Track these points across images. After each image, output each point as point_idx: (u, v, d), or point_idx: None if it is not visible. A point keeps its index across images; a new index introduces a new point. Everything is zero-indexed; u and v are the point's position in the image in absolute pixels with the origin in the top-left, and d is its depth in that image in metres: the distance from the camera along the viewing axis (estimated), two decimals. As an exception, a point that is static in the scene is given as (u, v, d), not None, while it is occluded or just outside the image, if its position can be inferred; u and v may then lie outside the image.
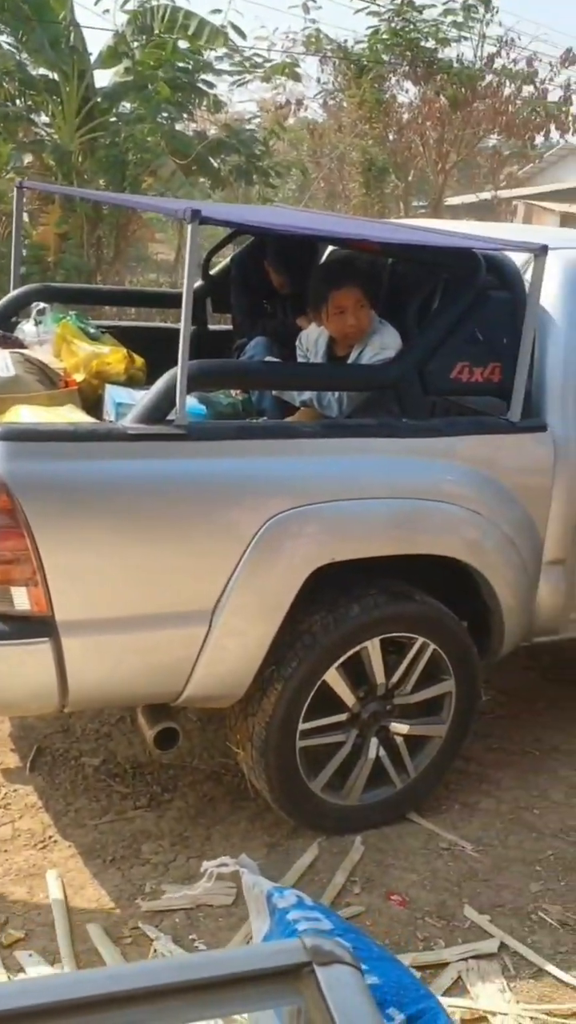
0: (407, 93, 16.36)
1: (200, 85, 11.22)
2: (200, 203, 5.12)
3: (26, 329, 3.68)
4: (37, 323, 3.64)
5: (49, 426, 2.54)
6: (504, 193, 19.91)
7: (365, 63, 15.25)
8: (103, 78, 10.98)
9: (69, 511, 2.43)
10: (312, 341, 3.27)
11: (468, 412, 3.06)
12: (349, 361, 3.10)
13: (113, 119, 10.74)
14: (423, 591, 3.00)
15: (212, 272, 4.33)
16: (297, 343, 3.37)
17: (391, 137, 16.15)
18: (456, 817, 3.18)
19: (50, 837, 2.94)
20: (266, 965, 0.91)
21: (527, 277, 2.98)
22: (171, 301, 4.57)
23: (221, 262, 4.48)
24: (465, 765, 3.43)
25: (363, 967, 0.97)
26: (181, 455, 2.56)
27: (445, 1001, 2.36)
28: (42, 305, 3.73)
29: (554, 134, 17.95)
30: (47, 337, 3.54)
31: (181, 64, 10.66)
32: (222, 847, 2.93)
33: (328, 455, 2.77)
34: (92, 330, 3.59)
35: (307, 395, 3.27)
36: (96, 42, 10.51)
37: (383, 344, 3.02)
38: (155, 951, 2.48)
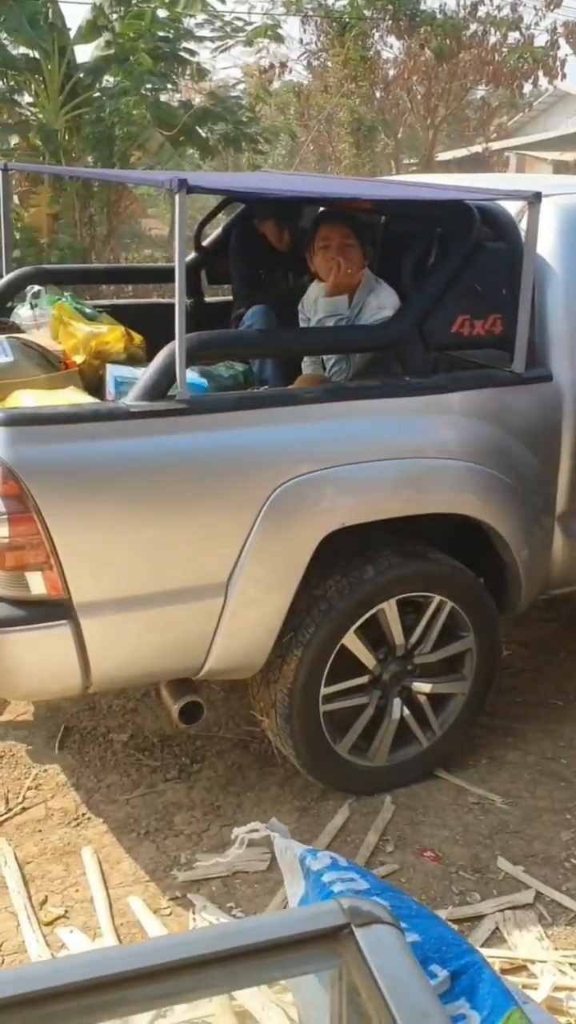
0: (391, 48, 16.15)
1: (182, 54, 11.09)
2: (187, 172, 5.06)
3: (22, 313, 3.66)
4: (33, 306, 3.63)
5: (51, 409, 2.53)
6: (495, 145, 19.64)
7: (347, 20, 15.02)
8: (84, 53, 10.87)
9: (77, 493, 2.43)
10: (312, 301, 3.24)
11: (472, 366, 3.04)
12: (346, 322, 3.07)
13: (97, 94, 10.64)
14: (439, 550, 3.00)
15: (205, 243, 4.29)
16: (299, 308, 3.34)
17: (378, 95, 15.94)
18: (484, 771, 3.19)
19: (83, 814, 2.97)
20: (304, 929, 0.91)
21: (522, 227, 2.94)
22: (165, 275, 4.54)
23: (215, 232, 4.44)
24: (490, 720, 3.44)
25: (403, 925, 0.97)
26: (184, 430, 2.55)
27: (484, 952, 2.38)
28: (36, 288, 3.71)
29: (542, 81, 17.67)
30: (44, 320, 3.53)
31: (161, 33, 10.53)
32: (253, 813, 2.95)
33: (332, 420, 2.75)
34: (88, 310, 3.57)
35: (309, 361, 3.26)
36: (74, 17, 10.34)
37: (380, 304, 2.99)
38: (194, 920, 2.51)
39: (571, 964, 2.36)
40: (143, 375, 2.57)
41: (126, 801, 3.03)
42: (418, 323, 2.88)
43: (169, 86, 11.46)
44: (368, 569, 2.83)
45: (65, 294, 3.63)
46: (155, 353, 2.67)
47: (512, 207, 3.08)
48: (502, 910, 2.58)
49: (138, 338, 3.38)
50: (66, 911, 2.59)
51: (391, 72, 15.77)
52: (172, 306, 2.52)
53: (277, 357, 3.24)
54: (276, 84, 16.60)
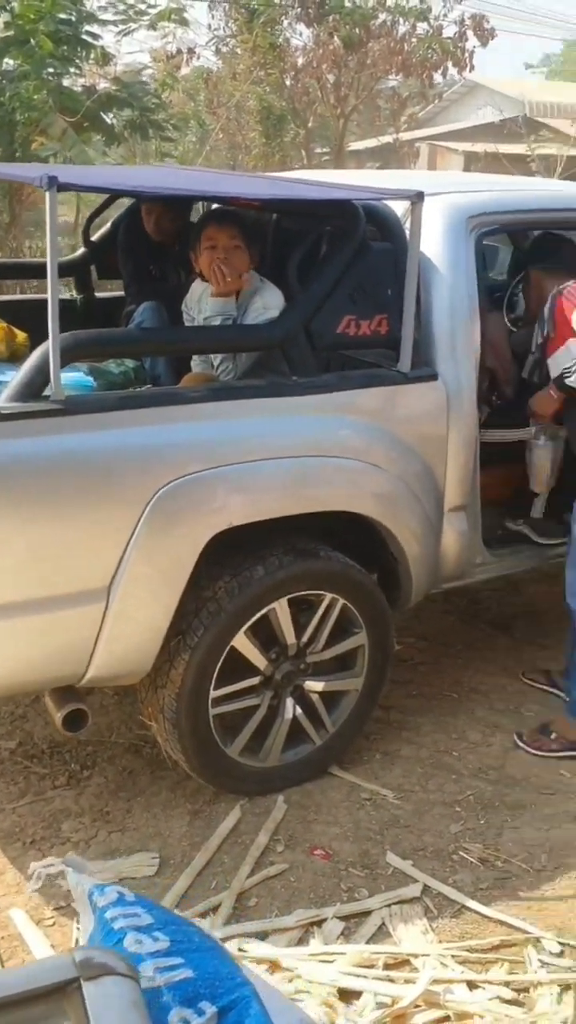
0: (300, 36, 16.09)
1: (85, 37, 10.83)
2: (59, 167, 4.95)
3: None
4: None
5: None
6: (406, 135, 19.75)
7: (255, 6, 14.90)
8: (-19, 36, 10.53)
9: (-50, 498, 2.35)
10: (196, 299, 3.20)
11: (364, 366, 3.04)
12: (233, 322, 3.04)
13: (-5, 78, 10.33)
14: (331, 548, 3.00)
15: (94, 238, 4.21)
16: (183, 307, 3.30)
17: (288, 83, 15.86)
18: (378, 766, 3.22)
19: (-32, 826, 2.91)
20: (32, 985, 0.86)
21: (408, 226, 2.95)
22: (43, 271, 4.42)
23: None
24: (385, 714, 3.47)
25: (176, 962, 0.93)
26: (60, 431, 2.48)
27: (369, 949, 2.41)
28: None
29: (452, 72, 17.84)
30: None
31: (63, 16, 10.26)
32: (144, 819, 2.93)
33: (218, 419, 2.72)
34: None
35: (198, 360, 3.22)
36: (-28, -2, 10.00)
37: (266, 304, 2.97)
38: (78, 929, 2.47)
39: (453, 956, 2.39)
40: (16, 375, 2.50)
41: (12, 810, 2.97)
42: (303, 323, 2.87)
43: (72, 70, 11.20)
44: (258, 569, 2.82)
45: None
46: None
47: (398, 206, 3.09)
48: (389, 905, 2.60)
49: (21, 335, 3.30)
50: (-53, 927, 2.52)
51: (300, 60, 15.71)
52: (65, 302, 2.45)
53: (157, 355, 3.20)
54: (185, 70, 16.36)
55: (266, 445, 2.77)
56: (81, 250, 4.23)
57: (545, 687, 3.70)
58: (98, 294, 4.31)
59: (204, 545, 2.65)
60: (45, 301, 2.35)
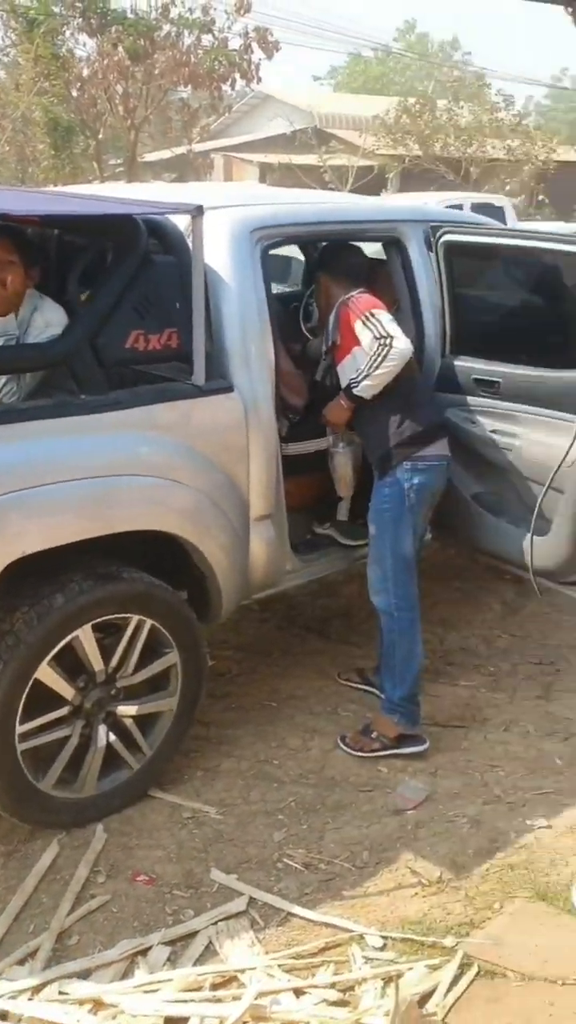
0: (84, 47, 15.91)
1: None
2: None
3: None
4: None
5: None
6: (200, 147, 19.90)
7: (35, 16, 14.60)
8: None
9: None
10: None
11: (158, 380, 3.01)
12: (16, 342, 2.94)
13: None
14: (135, 568, 2.95)
15: None
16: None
17: (74, 94, 15.63)
18: (199, 784, 3.19)
19: None
20: None
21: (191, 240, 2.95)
22: None
23: None
24: (205, 731, 3.45)
25: None
26: None
27: (195, 971, 2.38)
28: None
29: (239, 83, 18.11)
30: None
31: None
32: (-45, 868, 2.78)
33: (4, 443, 2.62)
34: None
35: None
36: None
37: (47, 321, 2.89)
38: None
39: (280, 966, 2.40)
40: None
41: None
42: (88, 339, 2.81)
43: None
44: (57, 597, 2.73)
45: None
46: None
47: (181, 220, 3.08)
48: (215, 923, 2.58)
49: None
50: None
51: (85, 71, 15.53)
52: None
53: None
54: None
55: (56, 468, 2.69)
56: None
57: (360, 686, 3.79)
58: None
59: (-1, 575, 2.55)
60: None
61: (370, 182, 19.47)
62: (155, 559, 3.06)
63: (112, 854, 2.85)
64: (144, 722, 3.05)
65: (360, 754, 3.35)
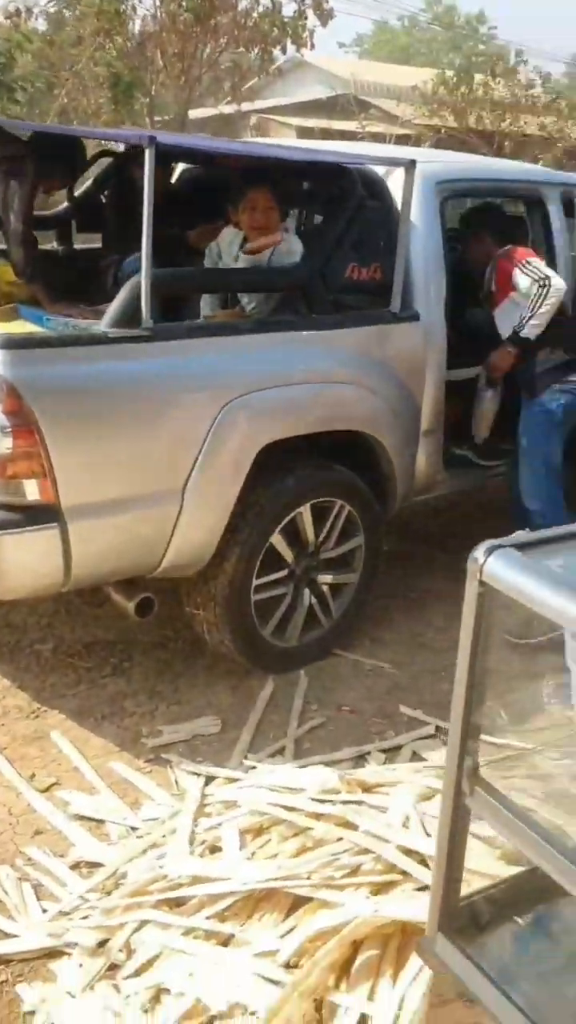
0: (142, 3, 16.23)
1: None
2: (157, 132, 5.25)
3: None
4: None
5: (44, 334, 2.82)
6: (246, 106, 20.24)
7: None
8: None
9: (69, 409, 2.76)
10: (227, 243, 3.67)
11: (356, 308, 3.60)
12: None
13: None
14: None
15: (76, 194, 4.55)
16: (208, 251, 3.75)
17: (131, 49, 15.98)
18: (370, 648, 3.82)
19: (39, 707, 3.30)
20: None
21: (390, 187, 3.54)
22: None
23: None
24: (368, 608, 4.06)
25: None
26: (151, 355, 2.93)
27: (409, 767, 3.00)
28: None
29: (290, 49, 18.39)
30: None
31: None
32: (192, 694, 3.41)
33: (260, 349, 3.23)
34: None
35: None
36: None
37: (290, 250, 3.49)
38: (174, 772, 2.95)
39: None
40: (111, 306, 2.91)
41: (73, 695, 3.38)
42: (320, 268, 3.41)
43: None
44: (289, 480, 3.35)
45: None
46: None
47: (379, 171, 3.66)
48: (414, 740, 3.22)
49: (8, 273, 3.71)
50: (56, 780, 2.94)
51: (139, 28, 15.90)
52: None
53: (219, 291, 3.64)
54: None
55: (297, 372, 3.30)
56: (64, 205, 4.55)
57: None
58: (76, 246, 4.64)
59: (255, 455, 3.15)
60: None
61: (409, 152, 19.78)
62: (344, 460, 3.67)
63: (317, 692, 3.48)
64: (334, 591, 3.67)
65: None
